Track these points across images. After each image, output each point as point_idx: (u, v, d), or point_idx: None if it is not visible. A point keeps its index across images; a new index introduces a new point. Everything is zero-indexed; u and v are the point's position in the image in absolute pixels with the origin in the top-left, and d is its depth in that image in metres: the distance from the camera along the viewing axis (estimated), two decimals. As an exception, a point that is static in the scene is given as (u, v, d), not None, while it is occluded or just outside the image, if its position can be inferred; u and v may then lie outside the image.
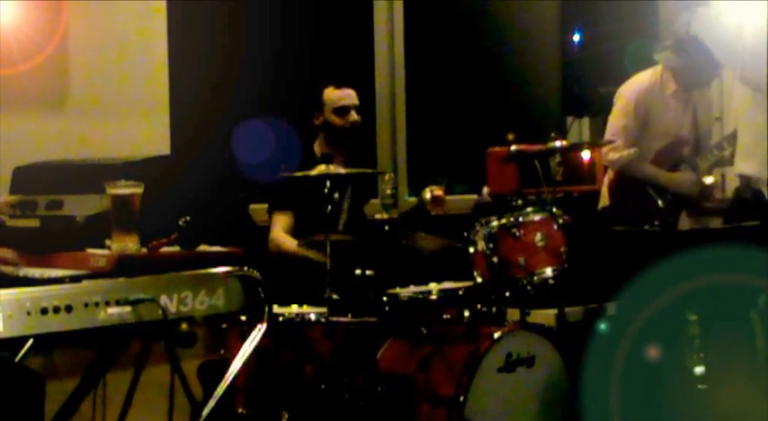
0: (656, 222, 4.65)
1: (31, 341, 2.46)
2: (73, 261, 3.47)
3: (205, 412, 2.68)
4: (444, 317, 3.88)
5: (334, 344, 3.65)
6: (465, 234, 4.02)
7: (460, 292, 3.92)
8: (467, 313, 3.85)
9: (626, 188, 4.88)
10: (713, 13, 4.88)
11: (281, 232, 4.39)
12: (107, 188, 3.52)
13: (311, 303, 3.78)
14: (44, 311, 2.41)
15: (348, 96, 4.52)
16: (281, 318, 3.65)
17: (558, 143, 4.03)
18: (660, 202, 4.85)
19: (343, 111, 4.48)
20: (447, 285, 4.00)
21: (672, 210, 4.87)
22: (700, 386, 4.01)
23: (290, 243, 4.31)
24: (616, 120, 4.94)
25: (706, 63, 4.90)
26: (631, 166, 4.85)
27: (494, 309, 3.91)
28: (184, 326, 2.67)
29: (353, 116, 4.50)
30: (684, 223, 4.90)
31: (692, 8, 5.15)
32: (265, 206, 4.55)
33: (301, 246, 4.00)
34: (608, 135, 4.91)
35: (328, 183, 3.81)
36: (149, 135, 4.77)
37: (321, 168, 3.79)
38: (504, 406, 3.65)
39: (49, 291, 2.46)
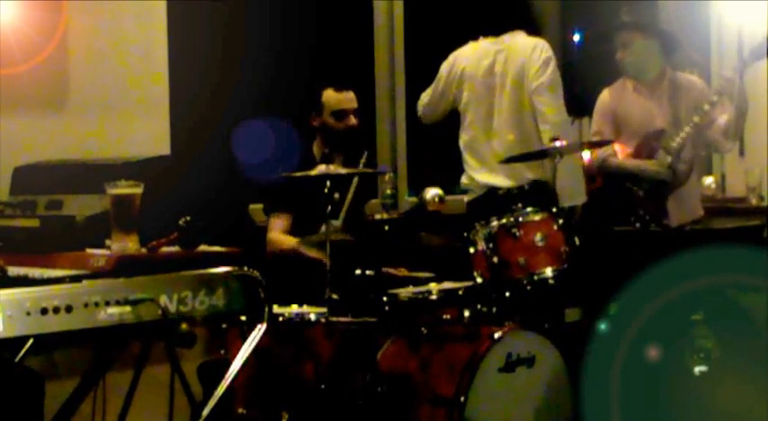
0: (642, 212, 4.65)
1: (31, 341, 2.46)
2: (73, 261, 3.48)
3: (205, 412, 2.68)
4: (444, 317, 3.88)
5: (334, 344, 3.65)
6: (465, 234, 4.02)
7: (460, 292, 3.92)
8: (467, 313, 3.85)
9: (604, 190, 4.90)
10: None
11: (278, 234, 4.39)
12: (107, 188, 3.53)
13: (311, 303, 3.79)
14: (44, 311, 2.41)
15: (348, 100, 4.52)
16: (281, 318, 3.65)
17: (558, 143, 4.02)
18: (640, 192, 4.86)
19: (341, 114, 4.48)
20: (447, 285, 4.00)
21: (655, 197, 4.87)
22: (700, 386, 4.01)
23: (288, 241, 4.31)
24: (592, 124, 5.07)
25: (643, 49, 4.88)
26: (605, 163, 4.88)
27: (494, 309, 3.91)
28: (184, 326, 2.67)
29: (352, 120, 4.50)
30: (673, 210, 4.88)
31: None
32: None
33: (301, 244, 4.00)
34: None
35: (328, 183, 3.81)
36: (149, 135, 4.77)
37: (321, 168, 3.79)
38: (504, 406, 3.65)
39: (49, 291, 2.46)
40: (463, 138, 4.64)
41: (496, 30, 4.60)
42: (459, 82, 4.62)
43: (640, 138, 4.90)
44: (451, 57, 4.71)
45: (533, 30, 4.64)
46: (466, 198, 4.68)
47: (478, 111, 4.57)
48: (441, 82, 4.71)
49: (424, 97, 4.82)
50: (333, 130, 4.48)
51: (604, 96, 5.05)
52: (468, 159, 4.62)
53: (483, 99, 4.57)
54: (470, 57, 4.65)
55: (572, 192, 4.46)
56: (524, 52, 4.52)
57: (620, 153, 4.89)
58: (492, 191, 4.51)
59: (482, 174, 4.56)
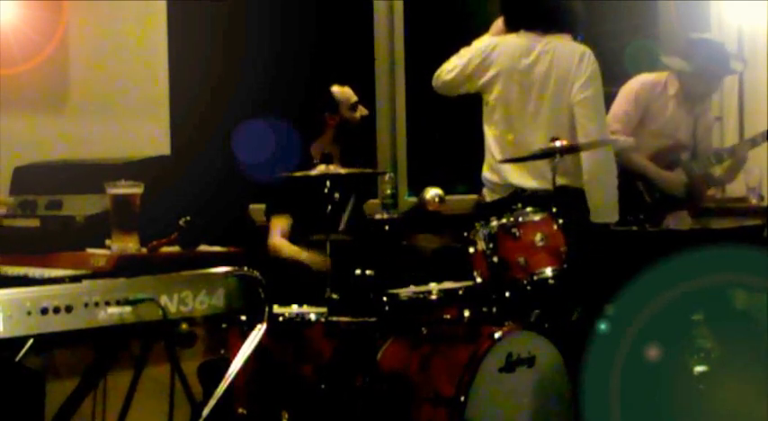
0: (641, 216, 4.65)
1: (31, 341, 2.46)
2: (73, 261, 3.48)
3: (205, 412, 2.68)
4: (444, 317, 3.88)
5: (334, 344, 3.66)
6: (465, 234, 4.02)
7: (460, 292, 3.92)
8: (467, 313, 3.84)
9: None
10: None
11: (279, 238, 4.39)
12: (107, 188, 3.53)
13: (311, 303, 3.79)
14: (44, 311, 2.41)
15: (352, 91, 4.66)
16: (281, 318, 3.65)
17: (558, 143, 4.02)
18: (647, 198, 4.88)
19: (355, 106, 4.60)
20: (447, 285, 4.00)
21: (658, 208, 4.88)
22: (700, 386, 4.02)
23: (290, 249, 4.32)
24: (618, 107, 5.03)
25: (712, 72, 4.94)
26: (626, 154, 4.86)
27: (494, 309, 3.91)
28: (184, 326, 2.67)
29: (363, 109, 4.62)
30: (668, 223, 4.92)
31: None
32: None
33: (302, 250, 4.01)
34: (609, 119, 4.92)
35: (328, 183, 3.82)
36: (149, 135, 4.77)
37: (321, 168, 3.79)
38: (504, 406, 3.65)
39: (49, 290, 2.46)
40: (492, 133, 4.47)
41: (540, 26, 4.42)
42: (494, 75, 4.42)
43: (661, 146, 4.93)
44: (490, 42, 4.49)
45: (575, 35, 4.51)
46: (488, 197, 4.56)
47: (510, 109, 4.42)
48: (471, 64, 4.48)
49: (447, 72, 4.56)
50: (351, 123, 4.59)
51: (646, 83, 5.02)
52: (498, 155, 4.45)
53: (517, 98, 4.40)
54: (511, 51, 4.43)
55: (606, 210, 4.35)
56: (571, 60, 4.35)
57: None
58: (518, 192, 4.38)
59: (511, 172, 4.43)
